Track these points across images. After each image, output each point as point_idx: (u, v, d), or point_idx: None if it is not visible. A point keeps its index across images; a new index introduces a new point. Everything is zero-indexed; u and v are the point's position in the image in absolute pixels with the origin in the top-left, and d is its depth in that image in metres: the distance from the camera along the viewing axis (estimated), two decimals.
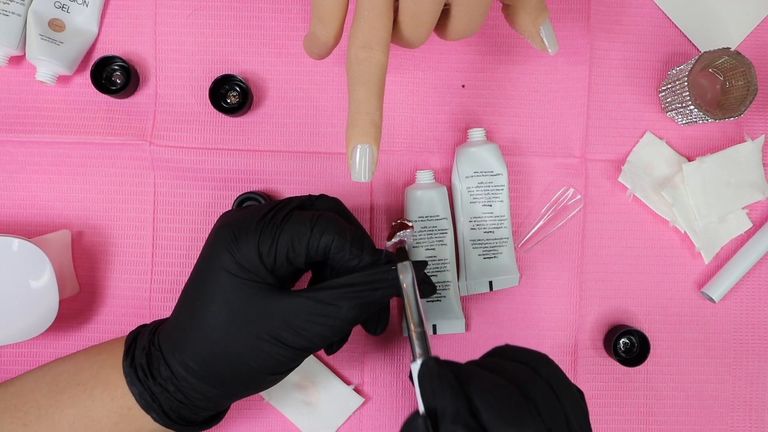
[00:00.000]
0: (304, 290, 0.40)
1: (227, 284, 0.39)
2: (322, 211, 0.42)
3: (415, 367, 0.35)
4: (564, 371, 0.36)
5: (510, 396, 0.32)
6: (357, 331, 0.51)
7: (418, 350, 0.36)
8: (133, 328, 0.44)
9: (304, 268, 0.42)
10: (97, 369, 0.41)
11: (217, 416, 0.44)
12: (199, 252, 0.43)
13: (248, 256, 0.39)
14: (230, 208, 0.51)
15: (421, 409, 0.33)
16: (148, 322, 0.51)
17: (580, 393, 0.36)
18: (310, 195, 0.44)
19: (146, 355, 0.41)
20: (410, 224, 0.43)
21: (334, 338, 0.40)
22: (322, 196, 0.44)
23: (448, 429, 0.31)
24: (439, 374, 0.33)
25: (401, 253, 0.41)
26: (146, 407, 0.40)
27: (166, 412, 0.40)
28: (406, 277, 0.39)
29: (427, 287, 0.43)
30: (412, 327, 0.37)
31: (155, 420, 0.40)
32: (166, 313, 0.51)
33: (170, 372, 0.40)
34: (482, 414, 0.31)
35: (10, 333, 0.46)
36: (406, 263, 0.39)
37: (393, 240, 0.42)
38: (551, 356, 0.52)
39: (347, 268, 0.41)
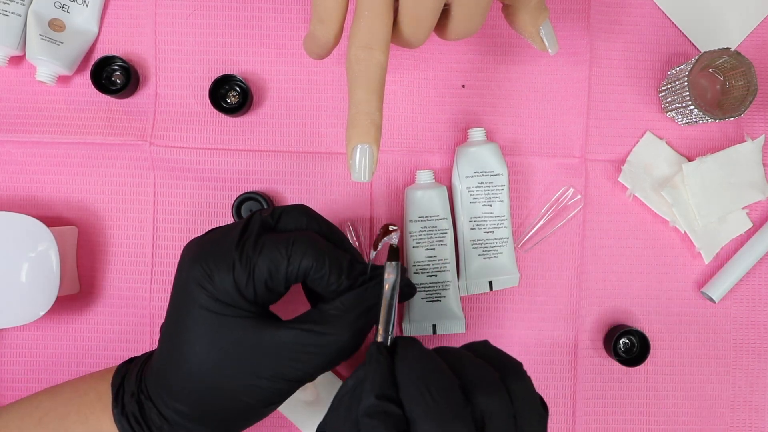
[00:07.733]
0: (299, 321, 0.38)
1: (210, 323, 0.37)
2: (297, 232, 0.40)
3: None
4: (534, 386, 0.34)
5: (444, 394, 0.31)
6: None
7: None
8: (119, 364, 0.42)
9: (285, 292, 0.40)
10: (86, 413, 0.40)
11: None
12: None
13: (226, 292, 0.37)
14: (228, 210, 0.51)
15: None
16: (147, 321, 0.52)
17: (545, 406, 0.34)
18: (273, 209, 0.41)
19: (137, 403, 0.39)
20: (394, 227, 0.41)
21: (336, 365, 0.40)
22: (286, 211, 0.41)
23: (365, 406, 0.32)
24: (377, 360, 0.34)
25: (392, 252, 0.39)
26: None
27: None
28: (389, 278, 0.38)
29: (407, 288, 0.43)
30: (380, 331, 0.36)
31: None
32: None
33: (163, 418, 0.38)
34: (404, 399, 0.32)
35: (12, 314, 0.46)
36: (394, 263, 0.38)
37: (378, 248, 0.40)
38: (551, 356, 0.53)
39: (327, 292, 0.40)
